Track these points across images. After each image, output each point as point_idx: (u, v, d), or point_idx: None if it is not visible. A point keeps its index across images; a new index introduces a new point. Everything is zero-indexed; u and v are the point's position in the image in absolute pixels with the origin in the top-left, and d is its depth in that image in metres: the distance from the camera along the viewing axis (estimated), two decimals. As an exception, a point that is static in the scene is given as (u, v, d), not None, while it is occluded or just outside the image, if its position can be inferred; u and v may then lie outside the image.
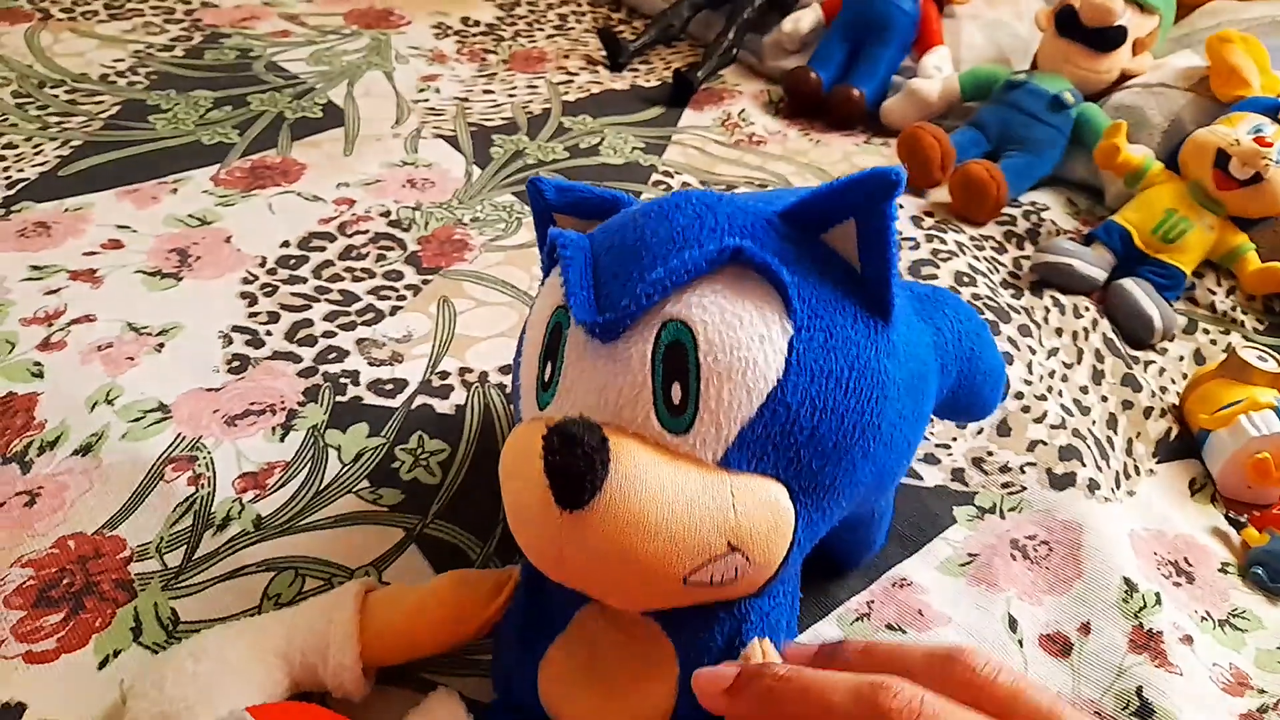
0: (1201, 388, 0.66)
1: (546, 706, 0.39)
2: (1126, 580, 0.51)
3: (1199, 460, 0.64)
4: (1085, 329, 0.73)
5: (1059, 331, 0.72)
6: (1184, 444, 0.65)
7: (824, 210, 0.36)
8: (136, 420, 0.56)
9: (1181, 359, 0.73)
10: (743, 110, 1.02)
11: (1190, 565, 0.56)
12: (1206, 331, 0.76)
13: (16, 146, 0.83)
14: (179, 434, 0.55)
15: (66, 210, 0.75)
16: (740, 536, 0.33)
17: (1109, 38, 0.90)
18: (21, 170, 0.79)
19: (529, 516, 0.34)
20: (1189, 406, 0.66)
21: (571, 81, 1.05)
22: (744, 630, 0.37)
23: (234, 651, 0.40)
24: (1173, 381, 0.71)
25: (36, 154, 0.82)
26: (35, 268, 0.68)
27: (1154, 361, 0.72)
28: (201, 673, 0.39)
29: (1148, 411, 0.67)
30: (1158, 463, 0.64)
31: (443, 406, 0.59)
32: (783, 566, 0.36)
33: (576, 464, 0.31)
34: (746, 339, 0.33)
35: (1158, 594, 0.51)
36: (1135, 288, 0.75)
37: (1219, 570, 0.56)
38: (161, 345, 0.62)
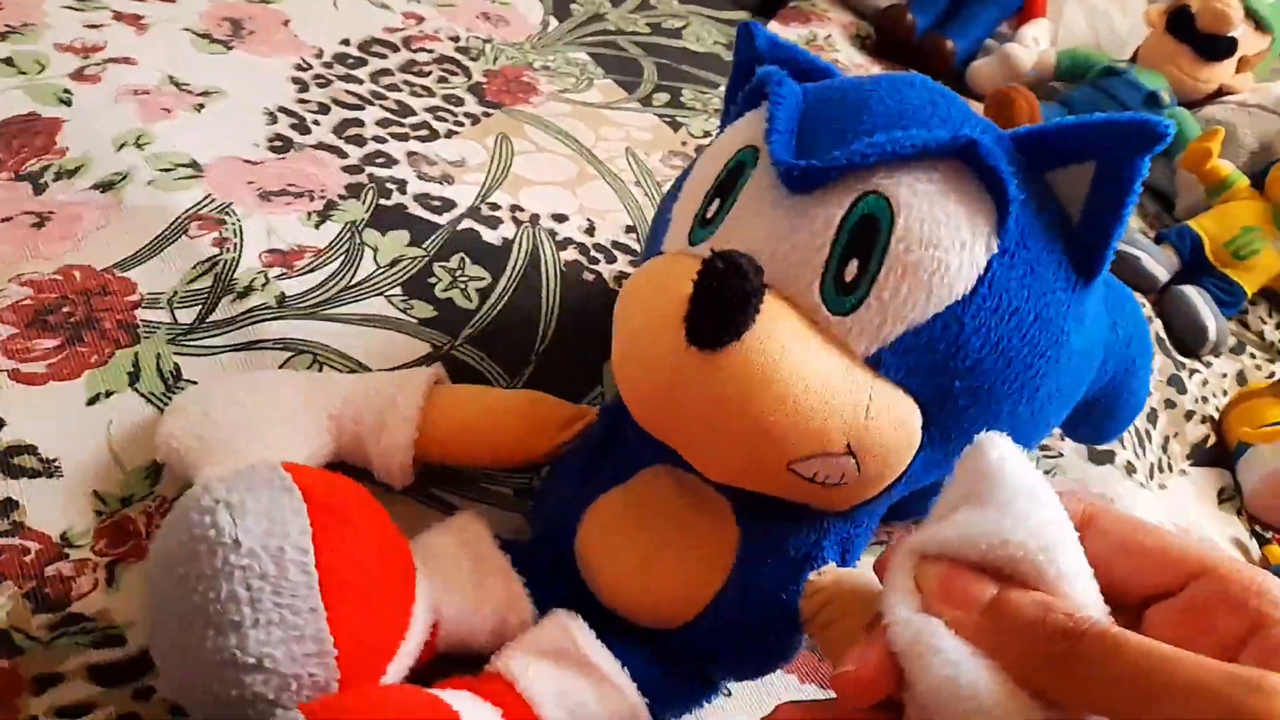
0: (1247, 403, 0.64)
1: (580, 552, 0.37)
2: None
3: (1230, 473, 0.62)
4: (1141, 323, 0.71)
5: (1113, 319, 0.70)
6: (1218, 454, 0.64)
7: (1065, 145, 0.31)
8: (165, 170, 0.52)
9: (1225, 376, 0.72)
10: (829, 35, 0.98)
11: (1211, 567, 0.54)
12: (1253, 356, 0.74)
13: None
14: (209, 194, 0.51)
15: (120, -49, 0.69)
16: (862, 442, 0.30)
17: (1219, 47, 0.87)
18: (77, -98, 0.73)
19: (648, 347, 0.31)
20: (1230, 419, 0.65)
21: (661, -36, 1.00)
22: (823, 546, 0.34)
23: (288, 397, 0.37)
24: (1214, 395, 0.69)
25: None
26: (78, -2, 0.63)
27: (1199, 372, 0.70)
28: (250, 407, 0.36)
29: (1188, 415, 0.65)
30: (1191, 465, 0.62)
31: (489, 236, 0.55)
32: (880, 496, 0.33)
33: (731, 298, 0.28)
34: (948, 239, 0.30)
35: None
36: (1196, 296, 0.73)
37: None
38: (201, 106, 0.58)
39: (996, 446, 0.26)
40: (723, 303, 0.28)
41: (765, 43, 0.38)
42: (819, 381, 0.29)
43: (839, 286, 0.30)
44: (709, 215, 0.33)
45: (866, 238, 0.30)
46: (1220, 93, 0.91)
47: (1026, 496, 0.25)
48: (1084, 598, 0.25)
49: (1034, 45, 0.96)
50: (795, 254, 0.30)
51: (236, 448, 0.36)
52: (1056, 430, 0.56)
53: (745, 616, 0.35)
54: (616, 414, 0.39)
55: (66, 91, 0.55)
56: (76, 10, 0.62)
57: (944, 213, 0.30)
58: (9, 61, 0.55)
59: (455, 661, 0.36)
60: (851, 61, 0.95)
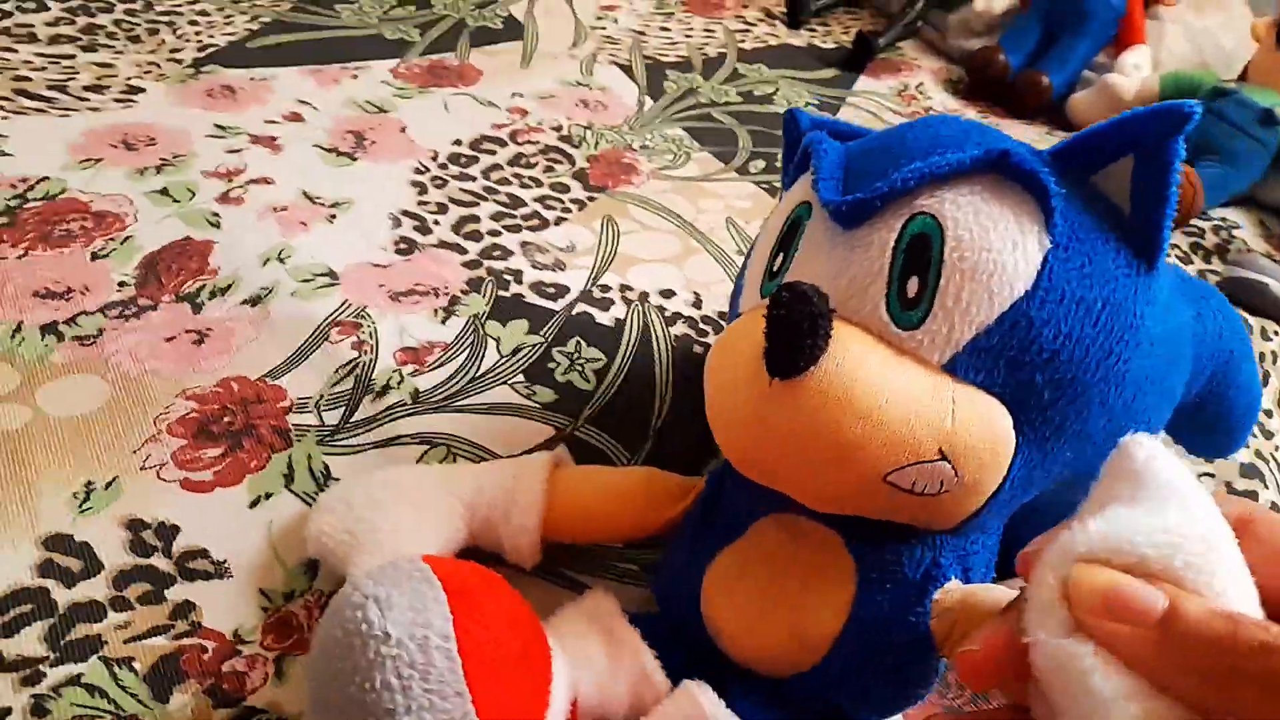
0: (1401, 432, 0.61)
1: (706, 614, 0.38)
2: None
3: (1388, 507, 0.59)
4: (1274, 352, 0.68)
5: (1244, 351, 0.68)
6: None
7: (1102, 145, 0.33)
8: (306, 281, 0.56)
9: (1373, 402, 0.68)
10: (920, 84, 0.98)
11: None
12: (1402, 379, 0.70)
13: (209, 15, 0.85)
14: (345, 300, 0.55)
15: (252, 79, 0.76)
16: (954, 446, 0.31)
17: (1336, 56, 0.84)
18: (212, 37, 0.81)
19: (734, 388, 0.32)
20: (1383, 449, 0.61)
21: (749, 31, 1.02)
22: (940, 564, 0.35)
23: (424, 488, 0.40)
24: (1363, 423, 0.66)
25: (227, 24, 0.83)
26: (219, 126, 0.69)
27: (1344, 399, 0.67)
28: (388, 501, 0.39)
29: (1336, 449, 0.62)
30: (1342, 502, 0.59)
31: (602, 317, 0.58)
32: (989, 504, 0.33)
33: (801, 322, 0.29)
34: (999, 241, 0.31)
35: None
36: (1333, 319, 0.70)
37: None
38: (334, 217, 0.62)
39: (1143, 446, 0.25)
40: (794, 330, 0.29)
41: (807, 122, 0.41)
42: (899, 393, 0.30)
43: (904, 303, 0.32)
44: (775, 269, 0.36)
45: (921, 255, 0.31)
46: (1342, 104, 0.87)
47: (1183, 497, 0.24)
48: (1245, 607, 0.23)
49: (1135, 72, 0.94)
50: (857, 282, 0.32)
51: (380, 540, 0.38)
52: (1194, 471, 0.55)
53: (872, 647, 0.35)
54: (721, 476, 0.41)
55: (215, 214, 0.60)
56: (219, 138, 0.68)
57: (990, 218, 0.31)
58: (164, 191, 0.61)
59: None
60: (945, 106, 0.95)
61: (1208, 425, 0.45)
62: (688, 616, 0.39)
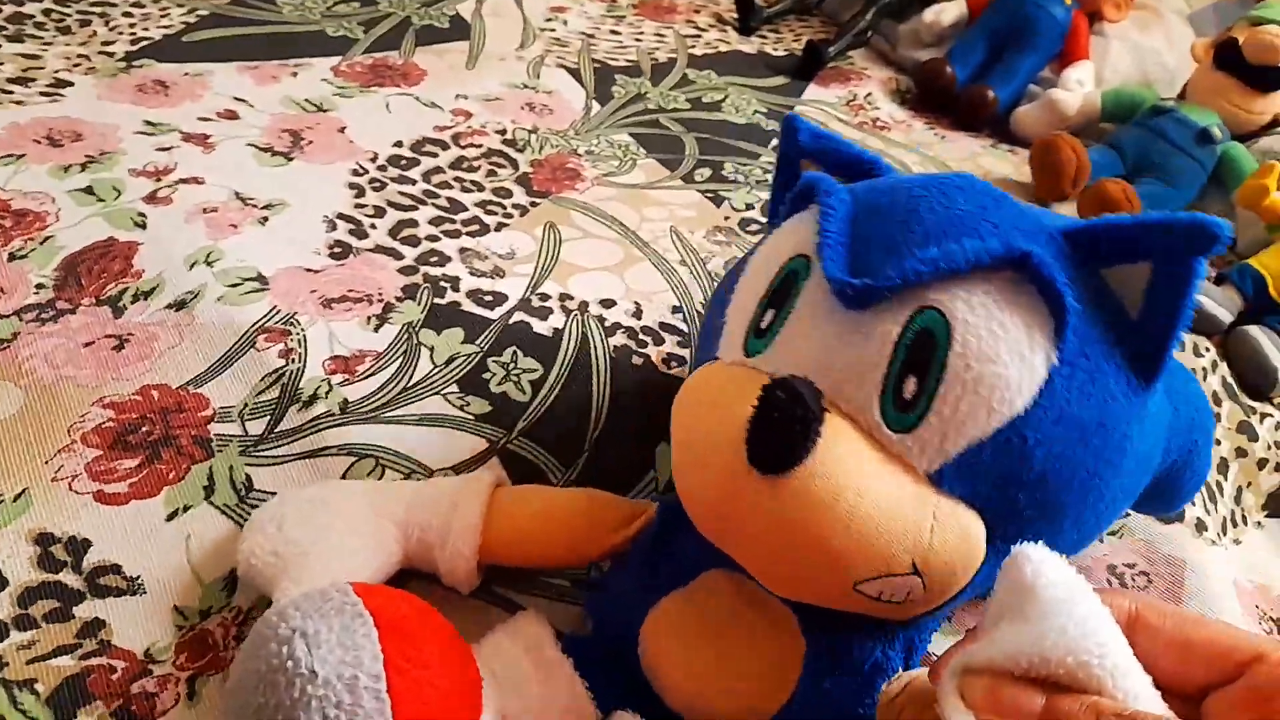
0: (1324, 449, 0.62)
1: (645, 658, 0.37)
2: (1231, 628, 0.48)
3: (1311, 522, 0.60)
4: (1205, 369, 0.69)
5: (1176, 367, 0.69)
6: (1296, 503, 0.62)
7: (1120, 243, 0.31)
8: (234, 286, 0.55)
9: (1300, 418, 0.69)
10: (869, 94, 0.99)
11: (1294, 626, 0.53)
12: (1329, 395, 0.72)
13: (144, 7, 0.82)
14: (274, 306, 0.54)
15: (186, 74, 0.74)
16: (928, 562, 0.30)
17: (1271, 77, 0.86)
18: (147, 29, 0.79)
19: (710, 466, 0.31)
20: (1307, 466, 0.63)
21: (699, 37, 1.02)
22: (889, 655, 0.34)
23: (357, 509, 0.39)
24: (1289, 439, 0.67)
25: (163, 16, 0.81)
26: (149, 123, 0.67)
27: (1271, 415, 0.68)
28: (321, 522, 0.38)
29: (1261, 463, 0.63)
30: (1266, 516, 0.60)
31: (540, 327, 0.57)
32: (946, 604, 0.33)
33: (793, 427, 0.28)
34: (1007, 353, 0.30)
35: (1262, 648, 0.48)
36: (1261, 335, 0.71)
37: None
38: (266, 219, 0.61)
39: (1030, 560, 0.26)
40: (785, 430, 0.28)
41: (808, 135, 0.39)
42: (882, 503, 0.29)
43: (898, 403, 0.30)
44: (764, 325, 0.34)
45: (923, 354, 0.30)
46: (1274, 124, 0.89)
47: (1064, 608, 0.25)
48: (1136, 692, 0.25)
49: (1078, 88, 0.95)
50: (852, 371, 0.31)
51: (309, 564, 0.37)
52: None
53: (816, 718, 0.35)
54: (673, 512, 0.39)
55: (141, 214, 0.59)
56: (150, 135, 0.66)
57: (1001, 327, 0.30)
58: (89, 190, 0.60)
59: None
60: (893, 117, 0.96)
61: (1156, 500, 0.45)
62: (625, 648, 0.38)
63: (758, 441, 0.29)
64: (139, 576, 0.41)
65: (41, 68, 0.70)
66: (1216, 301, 0.73)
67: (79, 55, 0.73)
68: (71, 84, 0.69)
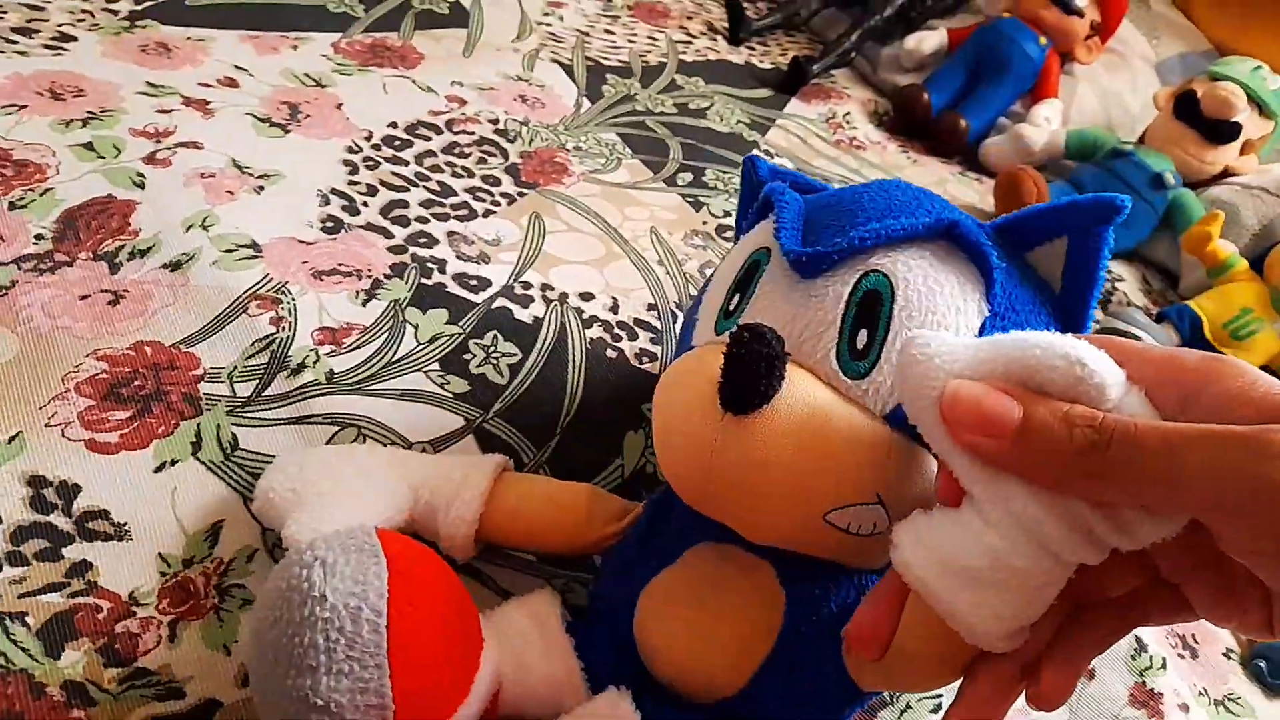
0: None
1: (640, 635, 0.40)
2: (1138, 638, 0.52)
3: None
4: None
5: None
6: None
7: (1039, 226, 0.37)
8: (228, 251, 0.57)
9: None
10: (848, 113, 1.02)
11: (1197, 643, 0.57)
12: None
13: (149, -34, 0.83)
14: (267, 274, 0.56)
15: (189, 38, 0.75)
16: (889, 492, 0.34)
17: (1224, 131, 0.91)
18: (151, -10, 0.80)
19: (685, 419, 0.34)
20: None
21: (690, 44, 1.05)
22: (861, 600, 0.38)
23: (375, 464, 0.42)
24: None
25: (167, -22, 0.82)
26: (151, 84, 0.68)
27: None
28: (341, 472, 0.41)
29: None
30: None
31: (521, 314, 0.60)
32: None
33: (759, 362, 0.32)
34: (943, 305, 0.34)
35: (1164, 659, 0.52)
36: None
37: (1223, 654, 0.57)
38: (261, 188, 0.63)
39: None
40: (751, 369, 0.32)
41: (766, 170, 0.44)
42: (845, 437, 0.33)
43: (852, 353, 0.35)
44: (731, 308, 0.38)
45: (872, 310, 0.35)
46: (1225, 174, 0.94)
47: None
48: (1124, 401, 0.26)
49: (1045, 124, 1.00)
50: (811, 329, 0.35)
51: (324, 504, 0.41)
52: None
53: (795, 676, 0.38)
54: (659, 505, 0.43)
55: (140, 174, 0.60)
56: (151, 96, 0.67)
57: (937, 284, 0.35)
58: (90, 146, 0.61)
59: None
60: (869, 138, 0.99)
61: None
62: (623, 636, 0.41)
63: (728, 384, 0.32)
64: (126, 523, 0.43)
65: (46, 20, 0.71)
66: (1155, 339, 0.77)
67: (83, 10, 0.74)
68: (75, 39, 0.70)
